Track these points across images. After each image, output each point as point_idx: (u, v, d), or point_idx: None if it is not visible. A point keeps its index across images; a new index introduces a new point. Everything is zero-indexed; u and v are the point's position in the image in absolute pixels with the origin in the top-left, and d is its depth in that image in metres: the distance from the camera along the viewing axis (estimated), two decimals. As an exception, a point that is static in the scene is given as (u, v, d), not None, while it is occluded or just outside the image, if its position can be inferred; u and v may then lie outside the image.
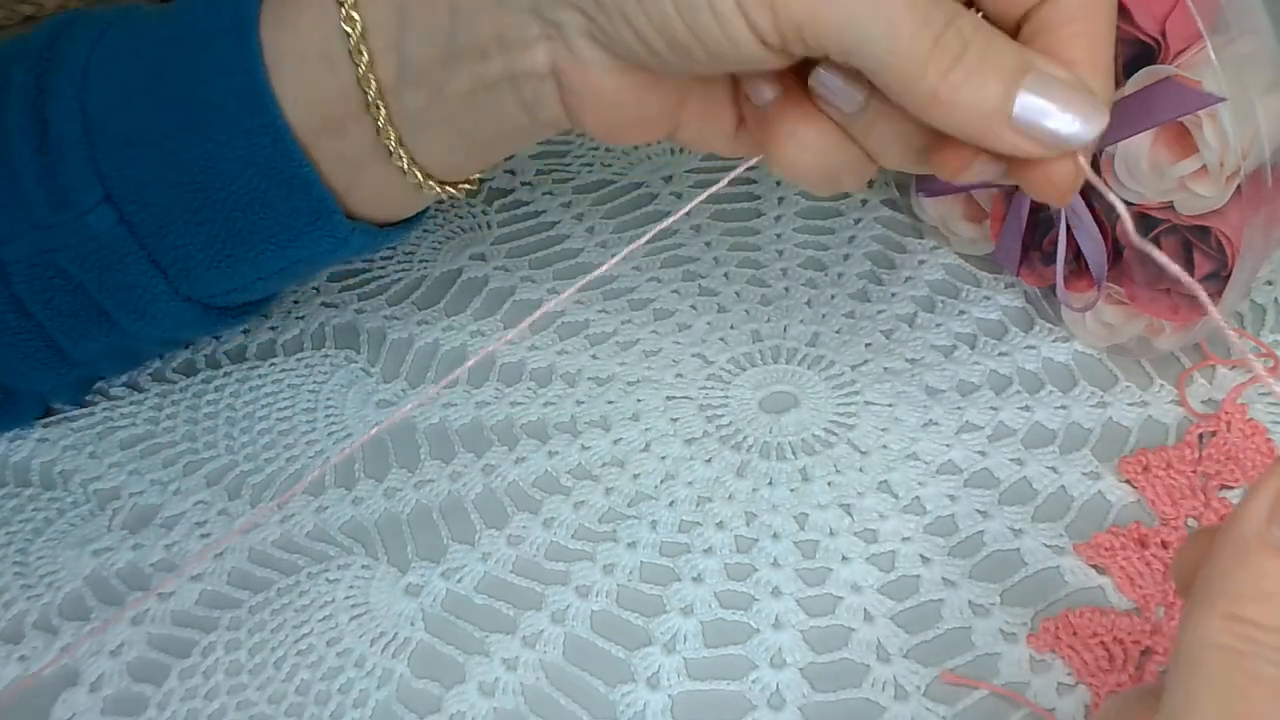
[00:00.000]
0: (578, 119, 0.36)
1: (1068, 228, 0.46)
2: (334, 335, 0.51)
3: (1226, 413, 0.44)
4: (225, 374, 0.49)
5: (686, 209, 0.37)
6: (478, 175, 0.42)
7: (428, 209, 0.44)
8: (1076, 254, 0.46)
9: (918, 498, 0.43)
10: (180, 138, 0.38)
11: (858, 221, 0.55)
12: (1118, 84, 0.41)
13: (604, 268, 0.36)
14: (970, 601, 0.39)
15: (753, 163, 0.36)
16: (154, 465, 0.46)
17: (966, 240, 0.52)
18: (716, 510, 0.43)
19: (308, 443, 0.46)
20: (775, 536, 0.42)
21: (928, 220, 0.53)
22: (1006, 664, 0.37)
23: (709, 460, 0.45)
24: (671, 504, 0.43)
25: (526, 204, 0.58)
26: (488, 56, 0.36)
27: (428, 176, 0.40)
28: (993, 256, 0.51)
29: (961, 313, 0.50)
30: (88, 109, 0.39)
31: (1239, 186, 0.40)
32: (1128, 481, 0.43)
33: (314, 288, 0.53)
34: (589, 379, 0.48)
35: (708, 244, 0.55)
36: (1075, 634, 0.38)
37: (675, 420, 0.46)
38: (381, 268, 0.54)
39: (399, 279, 0.54)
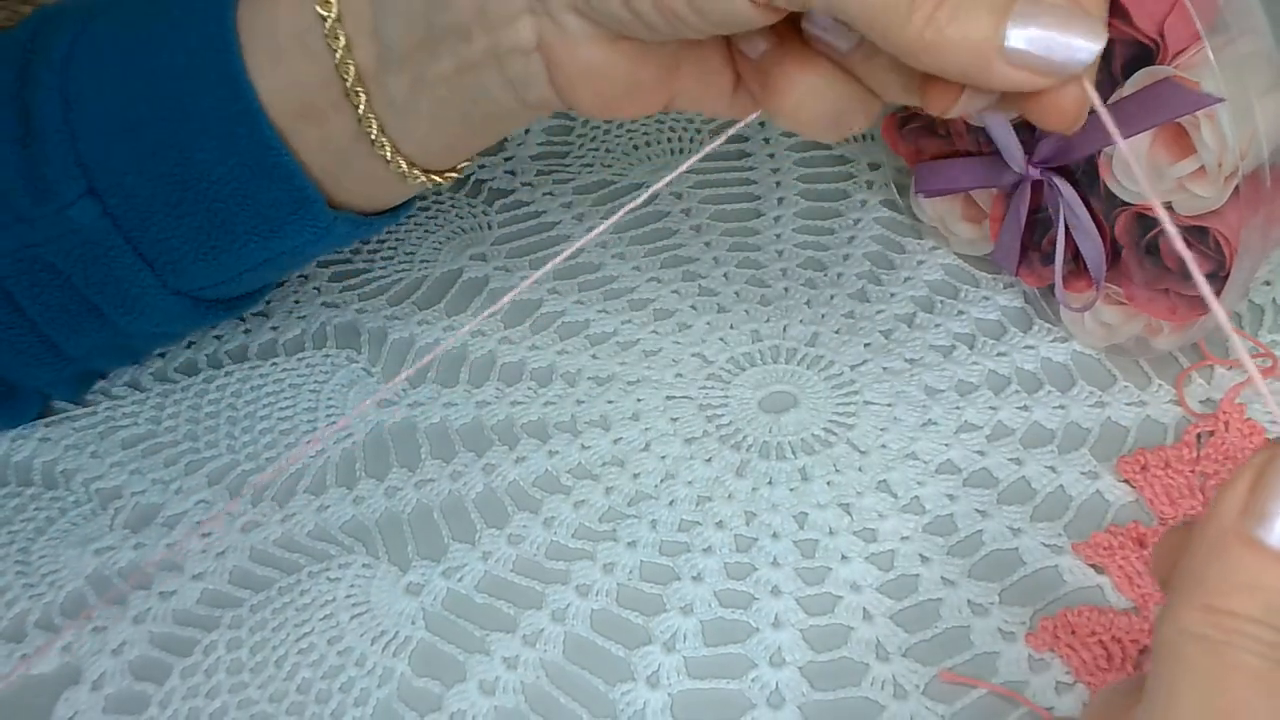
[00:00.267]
0: (568, 96, 0.35)
1: (1066, 228, 0.46)
2: (335, 335, 0.51)
3: (1225, 412, 0.44)
4: (227, 373, 0.49)
5: (676, 173, 0.36)
6: (464, 164, 0.42)
7: (415, 198, 0.44)
8: (1075, 254, 0.46)
9: (917, 497, 0.43)
10: (159, 127, 0.38)
11: (857, 222, 0.55)
12: (1116, 85, 0.41)
13: (577, 244, 0.35)
14: (969, 600, 0.39)
15: (754, 117, 0.36)
16: (156, 464, 0.46)
17: (965, 240, 0.52)
18: (716, 509, 0.43)
19: (309, 442, 0.46)
20: (775, 536, 0.42)
21: (927, 220, 0.53)
22: (1005, 663, 0.38)
23: (709, 460, 0.45)
24: (671, 503, 0.43)
25: (527, 204, 0.58)
26: (471, 36, 0.35)
27: (412, 165, 0.39)
28: (992, 256, 0.51)
29: (960, 313, 0.50)
30: (68, 98, 0.38)
31: (1237, 187, 0.40)
32: (1126, 481, 0.43)
33: (315, 288, 0.53)
34: (589, 379, 0.48)
35: (708, 244, 0.55)
36: (1074, 633, 0.38)
37: (675, 420, 0.46)
38: (382, 268, 0.54)
39: (400, 279, 0.54)
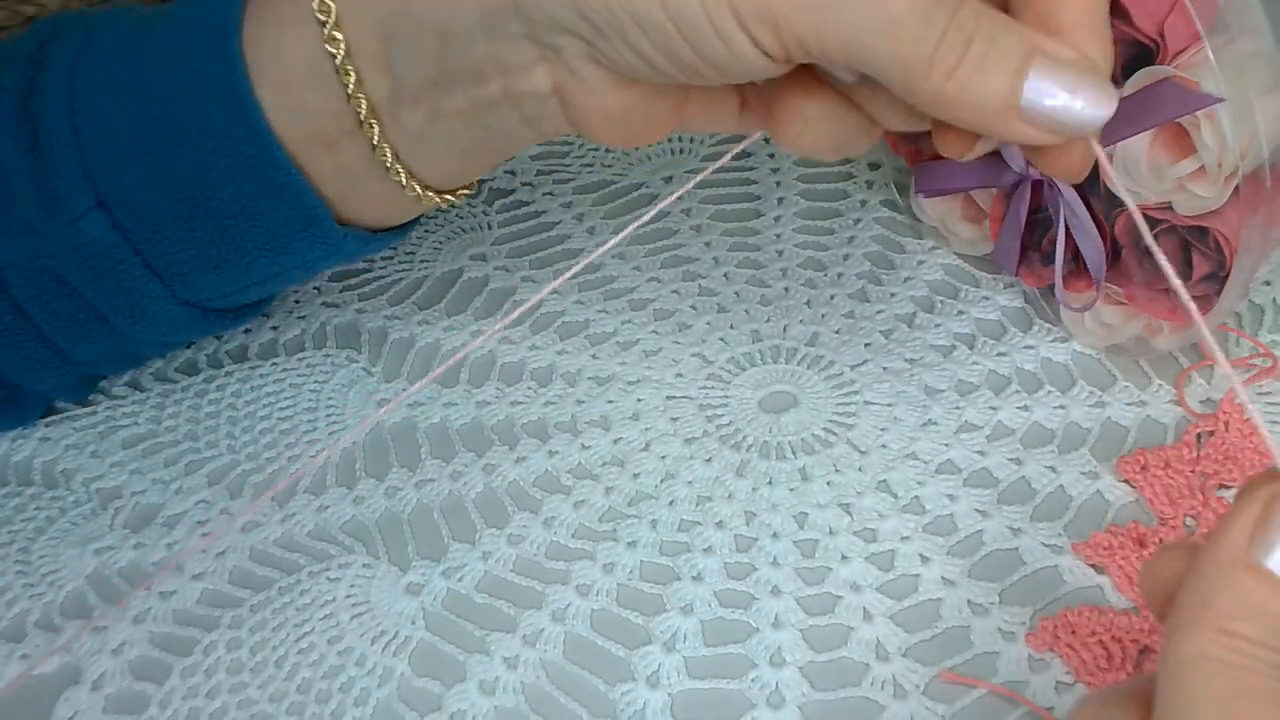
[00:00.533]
0: (585, 131, 0.36)
1: (1066, 228, 0.46)
2: (335, 335, 0.51)
3: (1225, 412, 0.44)
4: (227, 373, 0.49)
5: (682, 190, 0.37)
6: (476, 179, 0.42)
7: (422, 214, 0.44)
8: (1075, 254, 0.46)
9: (917, 497, 0.43)
10: (169, 146, 0.38)
11: (857, 222, 0.55)
12: (1116, 85, 0.41)
13: (590, 258, 0.36)
14: (969, 600, 0.39)
15: (759, 135, 0.36)
16: (156, 464, 0.46)
17: (965, 240, 0.52)
18: (716, 509, 0.43)
19: (309, 442, 0.46)
20: (775, 536, 0.42)
21: (927, 220, 0.53)
22: (1005, 663, 0.38)
23: (709, 460, 0.45)
24: (671, 503, 0.43)
25: (527, 204, 0.58)
26: (485, 79, 0.35)
27: (426, 188, 0.39)
28: (992, 257, 0.51)
29: (960, 313, 0.50)
30: (76, 109, 0.38)
31: (1237, 187, 0.40)
32: (1126, 481, 0.43)
33: (315, 288, 0.53)
34: (589, 379, 0.48)
35: (708, 244, 0.55)
36: (1074, 633, 0.38)
37: (675, 420, 0.46)
38: (382, 268, 0.54)
39: (400, 279, 0.54)
